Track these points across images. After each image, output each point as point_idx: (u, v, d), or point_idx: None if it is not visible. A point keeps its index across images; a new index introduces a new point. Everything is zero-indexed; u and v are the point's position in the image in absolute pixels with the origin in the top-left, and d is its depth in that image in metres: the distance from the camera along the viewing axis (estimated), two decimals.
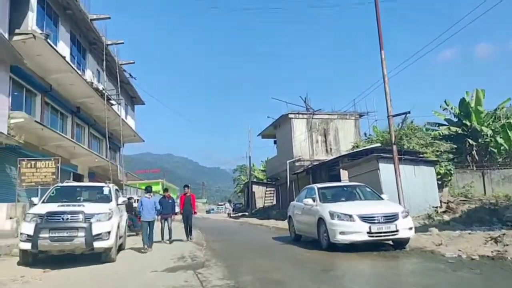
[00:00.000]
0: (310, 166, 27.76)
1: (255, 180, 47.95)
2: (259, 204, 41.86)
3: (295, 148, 28.63)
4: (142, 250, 11.55)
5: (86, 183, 19.67)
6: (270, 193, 38.48)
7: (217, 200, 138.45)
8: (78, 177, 22.80)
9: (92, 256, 8.73)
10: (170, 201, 15.08)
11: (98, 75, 26.67)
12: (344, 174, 21.04)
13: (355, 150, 24.21)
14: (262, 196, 42.19)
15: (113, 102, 27.11)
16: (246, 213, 43.85)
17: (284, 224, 17.52)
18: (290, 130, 29.04)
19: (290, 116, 29.36)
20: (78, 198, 10.50)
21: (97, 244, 8.43)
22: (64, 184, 11.66)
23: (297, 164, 28.43)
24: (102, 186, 11.33)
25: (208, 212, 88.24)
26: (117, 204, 10.49)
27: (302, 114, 29.99)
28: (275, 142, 35.85)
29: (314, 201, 10.75)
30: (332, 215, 9.37)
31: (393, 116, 14.82)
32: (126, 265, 8.75)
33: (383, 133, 26.38)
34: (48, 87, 19.16)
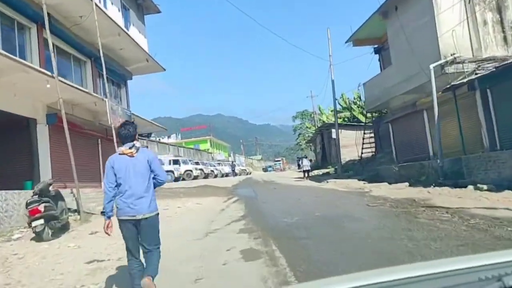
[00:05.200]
0: (479, 71, 13.57)
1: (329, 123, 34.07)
2: (346, 156, 28.15)
3: (441, 41, 14.30)
4: None
5: None
6: (370, 138, 24.52)
7: (270, 156, 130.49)
8: None
9: None
10: None
11: None
12: None
13: None
14: (349, 145, 28.38)
15: None
16: (327, 171, 30.23)
17: None
18: (430, 6, 14.62)
19: None
20: None
21: None
22: None
23: (449, 70, 14.19)
24: None
25: (265, 170, 75.76)
26: None
27: None
28: (377, 51, 21.38)
29: None
30: None
31: None
32: None
33: None
34: None
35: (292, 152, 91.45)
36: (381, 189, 13.37)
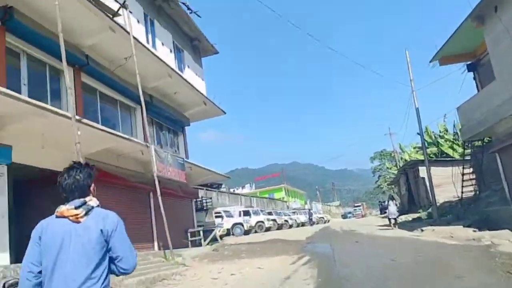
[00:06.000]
0: None
1: (412, 161, 29.80)
2: (438, 197, 23.79)
3: None
4: None
5: None
6: (469, 174, 20.21)
7: (348, 201, 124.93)
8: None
9: None
10: None
11: None
12: None
13: None
14: (441, 184, 24.12)
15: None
16: (418, 216, 25.89)
17: None
18: None
19: None
20: None
21: None
22: None
23: None
24: None
25: (344, 216, 70.74)
26: None
27: None
28: (471, 68, 17.76)
29: None
30: None
31: None
32: None
33: None
34: None
35: (372, 196, 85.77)
36: (510, 242, 9.59)
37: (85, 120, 10.36)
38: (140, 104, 16.14)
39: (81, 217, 2.48)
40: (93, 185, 2.72)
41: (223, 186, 48.31)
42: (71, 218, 2.49)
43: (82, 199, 2.57)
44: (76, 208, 2.50)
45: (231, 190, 63.50)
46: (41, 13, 10.62)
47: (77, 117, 10.06)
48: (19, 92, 10.25)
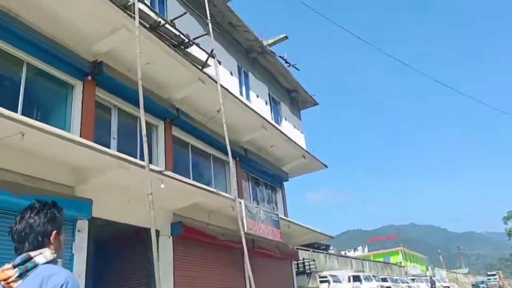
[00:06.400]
0: None
1: None
2: None
3: None
4: None
5: None
6: None
7: (479, 269, 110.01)
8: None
9: None
10: None
11: None
12: None
13: None
14: None
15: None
16: None
17: None
18: None
19: None
20: None
21: None
22: None
23: None
24: None
25: (476, 287, 61.06)
26: None
27: None
28: None
29: None
30: None
31: None
32: None
33: None
34: None
35: (509, 264, 73.93)
36: None
37: (167, 172, 9.80)
38: (235, 158, 15.60)
39: (13, 281, 1.78)
40: (55, 233, 2.01)
41: (331, 247, 45.53)
42: (2, 283, 1.82)
43: (27, 254, 1.87)
44: (14, 267, 1.82)
45: (342, 252, 60.01)
46: (129, 66, 10.68)
47: (158, 169, 9.54)
48: (108, 146, 10.19)
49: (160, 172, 9.29)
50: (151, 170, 9.18)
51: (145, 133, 8.15)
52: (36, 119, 8.47)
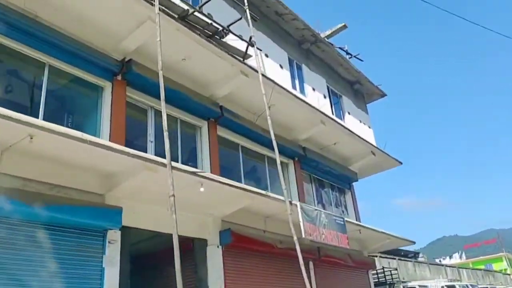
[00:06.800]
0: None
1: None
2: None
3: None
4: None
5: None
6: None
7: None
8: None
9: None
10: None
11: None
12: None
13: None
14: None
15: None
16: None
17: None
18: None
19: None
20: None
21: None
22: None
23: None
24: None
25: None
26: None
27: None
28: None
29: None
30: None
31: None
32: None
33: None
34: None
35: None
36: None
37: (204, 173, 8.74)
38: (293, 158, 14.25)
39: None
40: None
41: (420, 255, 41.92)
42: None
43: None
44: None
45: (437, 260, 55.52)
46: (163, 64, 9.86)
47: (193, 169, 8.49)
48: (145, 150, 9.42)
49: (194, 173, 8.24)
50: (185, 171, 8.22)
51: (166, 128, 7.16)
52: (67, 126, 7.93)
